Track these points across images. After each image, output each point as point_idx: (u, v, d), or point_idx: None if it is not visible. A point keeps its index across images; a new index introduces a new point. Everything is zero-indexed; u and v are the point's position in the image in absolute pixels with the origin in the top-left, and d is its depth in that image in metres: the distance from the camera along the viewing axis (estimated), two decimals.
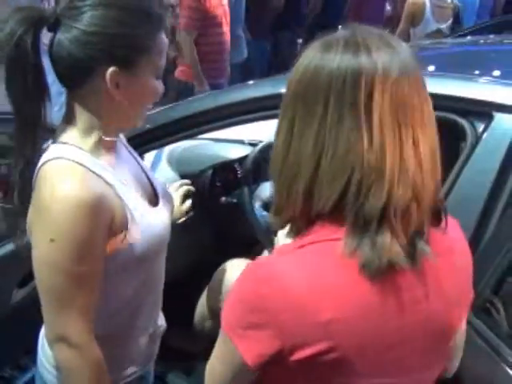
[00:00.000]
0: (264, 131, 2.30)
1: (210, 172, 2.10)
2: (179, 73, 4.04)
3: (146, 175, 1.29)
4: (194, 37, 3.87)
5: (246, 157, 2.15)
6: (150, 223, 1.16)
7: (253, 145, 2.30)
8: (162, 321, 1.37)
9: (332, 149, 0.82)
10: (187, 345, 2.14)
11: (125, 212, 1.11)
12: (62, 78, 1.09)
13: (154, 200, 1.25)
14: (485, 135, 1.36)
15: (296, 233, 0.89)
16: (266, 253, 2.14)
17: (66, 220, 1.01)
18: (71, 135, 1.11)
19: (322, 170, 0.83)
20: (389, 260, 0.80)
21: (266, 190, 2.05)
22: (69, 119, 1.12)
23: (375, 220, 0.81)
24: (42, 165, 1.07)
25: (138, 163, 1.30)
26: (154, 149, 1.89)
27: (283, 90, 0.89)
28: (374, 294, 0.82)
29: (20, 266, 1.41)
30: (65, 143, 1.10)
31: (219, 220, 2.16)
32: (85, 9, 1.05)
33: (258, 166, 2.07)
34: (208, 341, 2.14)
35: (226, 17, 4.05)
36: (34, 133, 1.09)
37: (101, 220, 1.05)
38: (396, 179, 0.81)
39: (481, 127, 1.37)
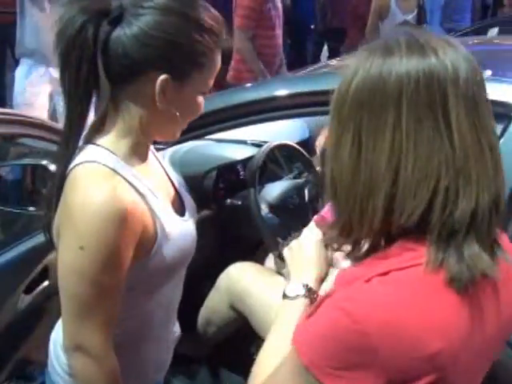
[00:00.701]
0: (267, 132, 2.27)
1: (214, 173, 2.06)
2: (231, 77, 3.97)
3: (172, 184, 1.26)
4: (249, 37, 3.85)
5: (250, 158, 2.12)
6: (179, 236, 1.13)
7: (256, 145, 2.27)
8: (176, 327, 1.33)
9: (412, 156, 0.77)
10: (190, 350, 2.10)
11: (155, 224, 1.07)
12: (109, 72, 1.03)
13: (180, 210, 1.21)
14: (503, 137, 1.35)
15: (365, 255, 0.85)
16: (270, 256, 2.11)
17: (96, 229, 0.97)
18: (106, 137, 1.07)
19: (403, 181, 0.77)
20: (481, 271, 0.76)
21: (271, 191, 2.02)
22: (104, 119, 1.07)
23: (463, 228, 0.77)
24: (73, 167, 1.02)
25: (166, 172, 1.27)
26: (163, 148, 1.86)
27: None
28: (463, 309, 0.77)
29: (26, 271, 1.38)
30: (98, 145, 1.06)
31: (223, 222, 2.12)
32: (151, 10, 1.01)
33: (264, 167, 2.04)
34: (211, 345, 2.13)
35: (279, 19, 4.02)
36: (79, 127, 1.05)
37: (131, 231, 1.01)
38: (481, 183, 0.78)
39: (499, 129, 1.35)
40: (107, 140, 1.07)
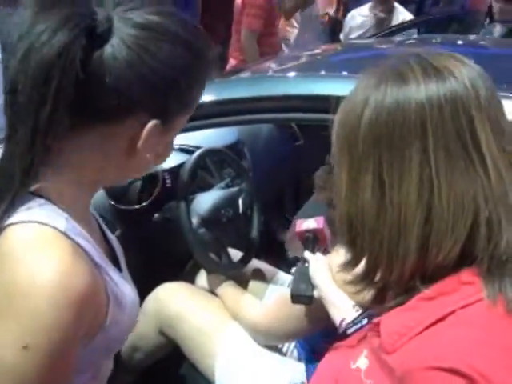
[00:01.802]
0: (193, 136, 2.09)
1: (139, 184, 1.85)
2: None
3: (102, 232, 1.02)
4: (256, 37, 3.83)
5: (177, 166, 1.93)
6: (130, 304, 0.91)
7: (183, 151, 2.09)
8: None
9: (446, 190, 0.72)
10: (114, 378, 1.90)
11: (108, 299, 0.84)
12: (83, 106, 0.77)
13: (112, 261, 0.97)
14: None
15: (398, 301, 0.77)
16: (202, 273, 1.95)
17: (46, 322, 0.72)
18: (50, 184, 0.82)
19: (438, 218, 0.72)
20: None
21: (203, 203, 1.84)
22: (50, 161, 0.81)
23: None
24: (5, 227, 0.77)
25: (95, 218, 1.03)
26: None
27: None
28: None
29: None
30: (41, 196, 0.80)
31: (150, 237, 1.93)
32: (150, 32, 0.79)
33: (195, 176, 1.86)
34: (137, 373, 1.95)
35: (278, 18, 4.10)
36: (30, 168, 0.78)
37: (86, 319, 0.77)
38: None
39: None
40: (52, 188, 0.82)
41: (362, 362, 0.80)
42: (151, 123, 0.81)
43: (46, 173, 0.81)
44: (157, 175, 1.92)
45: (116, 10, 0.81)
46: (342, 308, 1.27)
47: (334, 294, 1.31)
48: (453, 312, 0.71)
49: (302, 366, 1.64)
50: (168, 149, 0.90)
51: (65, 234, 0.78)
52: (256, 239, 1.98)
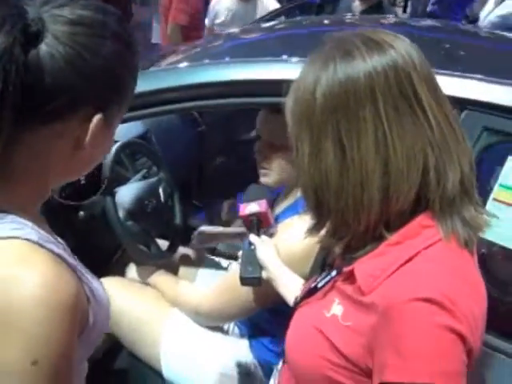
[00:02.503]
0: None
1: None
2: None
3: None
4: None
5: None
6: (100, 296, 0.89)
7: None
8: None
9: (399, 143, 0.82)
10: None
11: (89, 299, 0.83)
12: (23, 110, 0.74)
13: None
14: None
15: (367, 248, 0.88)
16: (131, 266, 1.95)
17: (51, 335, 0.71)
18: (11, 197, 0.79)
19: (394, 169, 0.82)
20: (480, 229, 0.87)
21: (125, 196, 1.83)
22: (4, 171, 0.78)
23: (458, 196, 0.85)
24: None
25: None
26: None
27: None
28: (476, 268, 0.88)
29: None
30: (5, 212, 0.78)
31: (73, 235, 1.89)
32: (81, 27, 0.77)
33: (115, 170, 1.85)
34: None
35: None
36: None
37: (78, 324, 0.77)
38: (460, 153, 0.86)
39: None
40: (5, 198, 0.80)
41: (336, 308, 0.89)
42: (96, 118, 0.80)
43: (4, 185, 0.79)
44: None
45: (44, 8, 0.79)
46: (294, 287, 1.32)
47: (284, 274, 1.37)
48: (418, 253, 0.83)
49: (245, 342, 1.71)
50: (111, 142, 0.90)
51: (38, 243, 0.77)
52: (180, 226, 2.01)
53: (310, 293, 1.01)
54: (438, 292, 0.78)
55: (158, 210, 1.91)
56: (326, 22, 2.53)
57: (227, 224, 2.39)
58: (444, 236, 0.84)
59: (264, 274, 1.38)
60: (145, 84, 1.61)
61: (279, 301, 1.37)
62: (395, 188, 0.83)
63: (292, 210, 1.61)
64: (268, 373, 1.62)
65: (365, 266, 0.87)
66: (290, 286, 1.33)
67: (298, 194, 1.63)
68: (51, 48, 0.75)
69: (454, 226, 0.85)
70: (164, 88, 1.61)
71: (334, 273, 0.95)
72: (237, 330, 1.78)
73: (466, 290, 0.81)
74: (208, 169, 3.20)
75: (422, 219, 0.86)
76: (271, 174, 1.65)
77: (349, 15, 3.47)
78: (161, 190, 1.96)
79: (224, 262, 2.09)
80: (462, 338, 0.77)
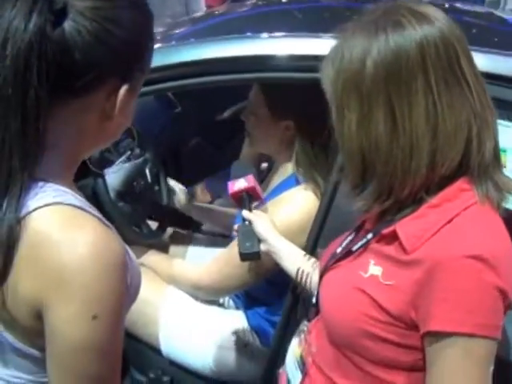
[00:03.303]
0: None
1: None
2: None
3: None
4: None
5: None
6: (131, 255, 0.92)
7: None
8: None
9: (448, 113, 0.88)
10: None
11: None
12: (57, 84, 0.77)
13: None
14: None
15: (403, 209, 0.94)
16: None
17: (110, 289, 0.76)
18: (49, 168, 0.82)
19: (443, 137, 0.89)
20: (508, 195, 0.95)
21: (114, 178, 1.84)
22: (40, 144, 0.81)
23: (491, 163, 0.92)
24: (28, 213, 0.77)
25: None
26: None
27: None
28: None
29: None
30: (45, 180, 0.80)
31: None
32: (105, 0, 0.79)
33: (103, 153, 1.86)
34: None
35: None
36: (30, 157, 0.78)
37: (126, 281, 0.81)
38: (493, 123, 0.93)
39: None
40: (50, 170, 0.82)
41: (374, 269, 0.95)
42: (123, 89, 0.83)
43: (44, 155, 0.81)
44: None
45: None
46: (295, 258, 1.37)
47: (284, 245, 1.40)
48: (458, 214, 0.89)
49: (241, 313, 1.76)
50: (133, 110, 0.92)
51: (80, 208, 0.80)
52: (168, 205, 2.03)
53: (341, 257, 1.05)
54: (485, 250, 0.85)
55: (145, 190, 1.93)
56: None
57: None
58: (479, 199, 0.90)
59: (263, 247, 1.41)
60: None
61: (277, 272, 1.42)
62: (442, 154, 0.89)
63: (285, 186, 1.65)
64: (265, 342, 1.68)
65: (407, 226, 0.92)
66: (291, 257, 1.37)
67: (289, 170, 1.68)
68: (77, 24, 0.77)
69: (489, 190, 0.91)
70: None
71: (370, 235, 1.00)
72: (232, 303, 1.83)
73: (505, 248, 0.89)
74: (184, 150, 3.21)
75: (460, 183, 0.92)
76: (249, 140, 1.72)
77: None
78: (147, 171, 1.97)
79: (212, 240, 2.12)
80: (503, 294, 0.85)
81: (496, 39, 1.55)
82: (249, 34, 1.63)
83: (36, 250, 0.76)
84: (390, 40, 0.88)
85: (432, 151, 0.89)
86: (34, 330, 0.79)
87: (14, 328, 0.80)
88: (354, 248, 1.02)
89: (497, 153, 0.95)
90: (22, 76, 0.75)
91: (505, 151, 1.16)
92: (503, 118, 1.18)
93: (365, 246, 1.00)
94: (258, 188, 1.55)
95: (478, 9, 2.17)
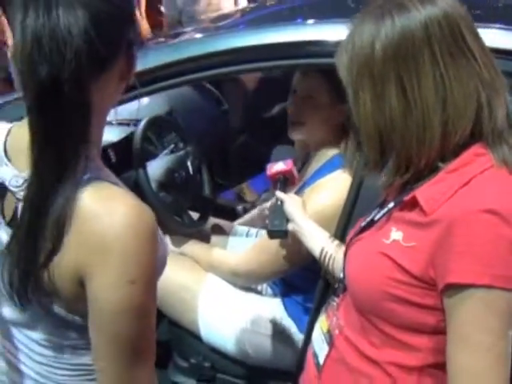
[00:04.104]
0: (125, 110, 2.14)
1: None
2: None
3: None
4: None
5: (121, 140, 2.00)
6: (161, 234, 0.97)
7: (123, 125, 2.14)
8: None
9: (456, 83, 0.93)
10: None
11: None
12: (95, 65, 0.84)
13: None
14: None
15: (415, 182, 0.98)
16: (166, 236, 2.02)
17: (146, 256, 0.83)
18: (94, 141, 0.88)
19: (453, 106, 0.93)
20: None
21: (156, 169, 1.91)
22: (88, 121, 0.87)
23: (506, 129, 0.96)
24: (74, 189, 0.83)
25: None
26: None
27: None
28: None
29: None
30: (87, 158, 0.86)
31: None
32: None
33: (143, 147, 1.93)
34: None
35: None
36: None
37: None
38: (504, 91, 0.97)
39: None
40: (93, 143, 0.88)
41: (396, 234, 0.98)
42: (134, 50, 0.91)
43: None
44: (104, 151, 1.97)
45: None
46: (320, 238, 1.42)
47: (311, 227, 1.44)
48: (474, 177, 0.93)
49: (278, 300, 1.79)
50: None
51: (115, 183, 0.88)
52: (210, 196, 2.08)
53: (364, 228, 1.10)
54: (500, 205, 0.88)
55: (187, 181, 1.99)
56: None
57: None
58: (496, 163, 0.94)
59: (290, 227, 1.45)
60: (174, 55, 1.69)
61: (313, 259, 1.44)
62: (454, 124, 0.93)
63: (320, 173, 1.67)
64: (302, 328, 1.69)
65: (426, 191, 0.96)
66: (316, 238, 1.41)
67: (325, 158, 1.69)
68: (96, 8, 0.83)
69: (505, 154, 0.94)
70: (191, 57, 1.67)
71: (391, 204, 1.03)
72: (270, 290, 1.85)
73: None
74: (231, 148, 3.27)
75: (475, 149, 0.95)
76: (303, 129, 1.71)
77: None
78: (189, 163, 2.03)
79: (252, 230, 2.16)
80: None
81: None
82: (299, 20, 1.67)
83: (78, 222, 0.82)
84: (397, 22, 0.94)
85: (444, 122, 0.93)
86: (77, 298, 0.86)
87: (59, 297, 0.87)
88: (377, 218, 1.06)
89: (510, 119, 0.97)
90: (84, 77, 0.82)
91: None
92: None
93: (387, 216, 1.03)
94: (295, 173, 1.59)
95: None
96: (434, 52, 0.92)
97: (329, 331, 1.13)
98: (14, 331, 0.96)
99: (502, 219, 0.87)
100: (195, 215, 2.05)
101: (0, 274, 0.88)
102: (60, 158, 0.83)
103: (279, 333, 1.73)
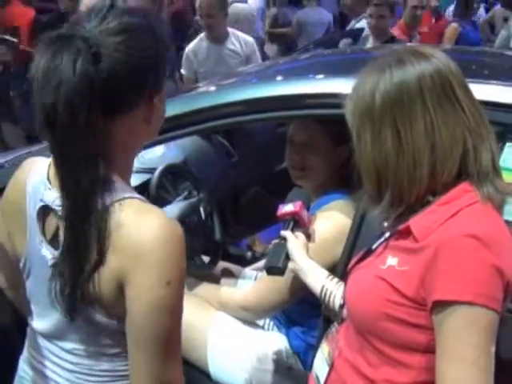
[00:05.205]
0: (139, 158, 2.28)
1: None
2: None
3: None
4: None
5: (141, 186, 2.13)
6: None
7: (138, 173, 2.28)
8: None
9: (444, 129, 1.06)
10: None
11: None
12: (108, 107, 0.97)
13: None
14: None
15: (409, 214, 1.10)
16: None
17: (177, 260, 0.98)
18: (114, 170, 1.02)
19: (440, 149, 1.06)
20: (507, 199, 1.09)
21: (171, 213, 2.02)
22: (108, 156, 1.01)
23: (491, 171, 1.08)
24: (112, 204, 0.97)
25: None
26: None
27: None
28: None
29: None
30: (116, 181, 1.01)
31: None
32: (124, 34, 0.98)
33: (160, 191, 2.06)
34: None
35: None
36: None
37: None
38: (490, 138, 1.10)
39: None
40: (115, 173, 1.02)
41: (391, 261, 1.11)
42: (157, 98, 1.04)
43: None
44: None
45: (92, 24, 0.97)
46: (320, 277, 1.51)
47: (312, 267, 1.54)
48: (461, 209, 1.05)
49: (282, 336, 1.88)
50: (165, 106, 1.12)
51: (144, 200, 1.03)
52: (221, 241, 2.19)
53: (363, 257, 1.22)
54: (481, 231, 1.01)
55: (199, 226, 2.10)
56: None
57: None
58: (481, 199, 1.06)
59: (291, 265, 1.55)
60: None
61: (309, 292, 1.53)
62: (441, 164, 1.06)
63: (316, 207, 1.82)
64: (306, 364, 1.76)
65: (419, 221, 1.09)
66: (316, 276, 1.51)
67: (320, 195, 1.86)
68: (111, 58, 0.95)
69: (489, 192, 1.06)
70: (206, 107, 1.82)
71: (387, 234, 1.16)
72: (272, 325, 1.94)
73: (502, 234, 1.05)
74: (243, 199, 3.37)
75: (463, 186, 1.08)
76: (307, 174, 1.84)
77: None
78: (201, 209, 2.15)
79: (261, 274, 2.25)
80: (500, 272, 0.99)
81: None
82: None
83: (118, 233, 0.96)
84: (394, 75, 1.08)
85: (432, 162, 1.06)
86: (116, 302, 0.99)
87: (100, 304, 1.00)
88: (374, 246, 1.18)
89: (496, 164, 1.10)
90: (76, 108, 0.93)
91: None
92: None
93: (384, 245, 1.16)
94: (304, 214, 1.69)
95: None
96: (425, 101, 1.06)
97: (329, 354, 1.22)
98: (44, 342, 1.06)
99: (482, 244, 0.99)
100: (206, 259, 2.15)
101: (47, 290, 1.00)
102: (76, 178, 0.96)
103: (285, 369, 1.80)
